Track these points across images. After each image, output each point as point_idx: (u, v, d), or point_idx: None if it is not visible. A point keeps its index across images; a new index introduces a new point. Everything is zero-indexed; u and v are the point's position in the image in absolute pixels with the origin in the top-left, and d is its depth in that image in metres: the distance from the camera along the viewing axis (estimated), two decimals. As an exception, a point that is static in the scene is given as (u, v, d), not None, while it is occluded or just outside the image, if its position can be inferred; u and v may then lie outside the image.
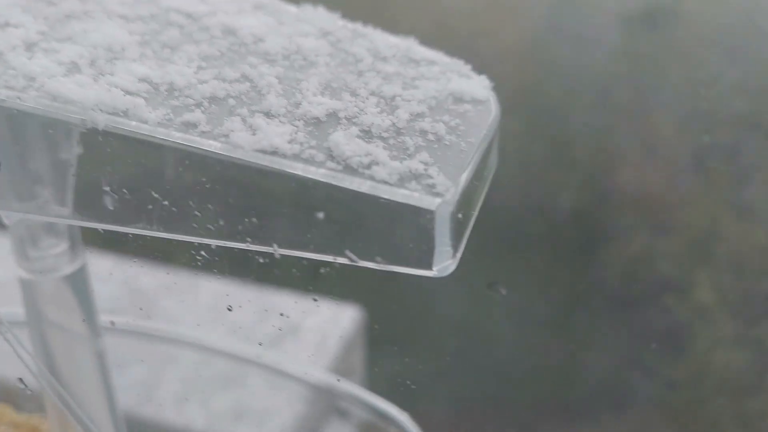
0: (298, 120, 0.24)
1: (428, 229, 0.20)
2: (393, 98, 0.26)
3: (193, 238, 0.26)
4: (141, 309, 0.99)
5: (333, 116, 0.25)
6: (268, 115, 0.24)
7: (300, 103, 0.25)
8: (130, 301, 1.05)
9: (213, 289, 1.11)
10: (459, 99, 0.27)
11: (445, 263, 0.21)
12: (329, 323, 1.07)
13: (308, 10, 0.32)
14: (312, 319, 1.06)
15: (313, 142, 0.24)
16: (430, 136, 0.25)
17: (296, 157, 0.22)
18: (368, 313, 1.12)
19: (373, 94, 0.26)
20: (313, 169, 0.22)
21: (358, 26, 0.32)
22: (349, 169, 0.22)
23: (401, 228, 0.20)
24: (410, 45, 0.31)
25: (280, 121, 0.24)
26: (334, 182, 0.22)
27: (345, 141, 0.22)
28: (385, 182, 0.21)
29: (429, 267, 0.21)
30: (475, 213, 0.25)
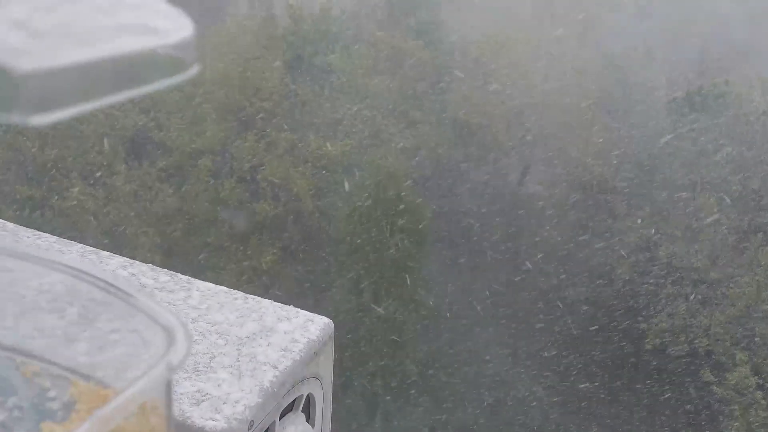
0: None
1: (12, 84, 0.22)
2: (76, 16, 0.28)
3: None
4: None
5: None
6: None
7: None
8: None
9: (203, 291, 1.15)
10: (141, 27, 0.29)
11: (25, 115, 0.23)
12: (300, 329, 1.08)
13: None
14: (285, 324, 1.08)
15: None
16: (81, 33, 0.26)
17: None
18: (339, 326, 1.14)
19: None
20: None
21: None
22: None
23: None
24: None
25: None
26: None
27: None
28: None
29: (18, 116, 0.23)
30: (106, 97, 0.26)
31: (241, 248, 15.17)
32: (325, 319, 1.11)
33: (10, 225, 1.26)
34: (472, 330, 17.14)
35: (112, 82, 0.25)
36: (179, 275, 1.20)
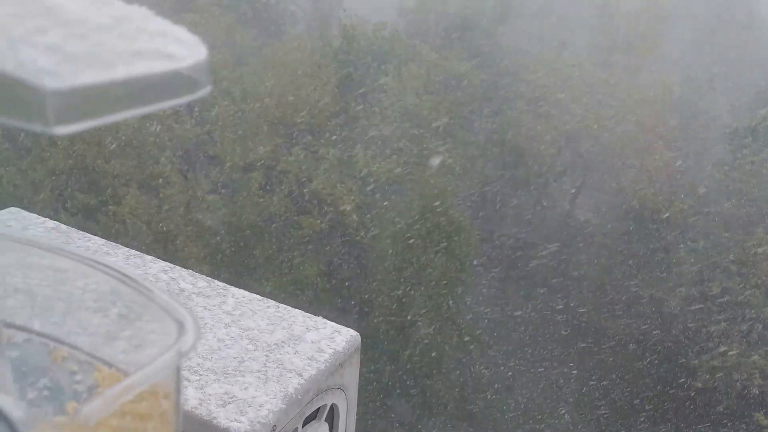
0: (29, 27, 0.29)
1: (41, 100, 0.26)
2: (104, 43, 0.31)
3: None
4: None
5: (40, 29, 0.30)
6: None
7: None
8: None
9: (238, 298, 1.20)
10: (158, 53, 0.32)
11: (50, 127, 0.27)
12: (327, 340, 1.11)
13: None
14: (312, 334, 1.11)
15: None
16: (104, 57, 0.29)
17: None
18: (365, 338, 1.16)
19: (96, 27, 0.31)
20: None
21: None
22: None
23: (24, 93, 0.26)
24: (161, 26, 0.35)
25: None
26: None
27: (27, 40, 0.28)
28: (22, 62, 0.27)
29: (42, 127, 0.27)
30: (123, 111, 0.29)
31: (287, 261, 15.38)
32: (352, 332, 1.13)
33: (63, 227, 1.34)
34: (512, 357, 16.84)
35: (128, 100, 0.29)
36: (216, 281, 1.26)
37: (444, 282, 14.12)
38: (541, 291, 18.43)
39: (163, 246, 14.12)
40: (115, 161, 14.61)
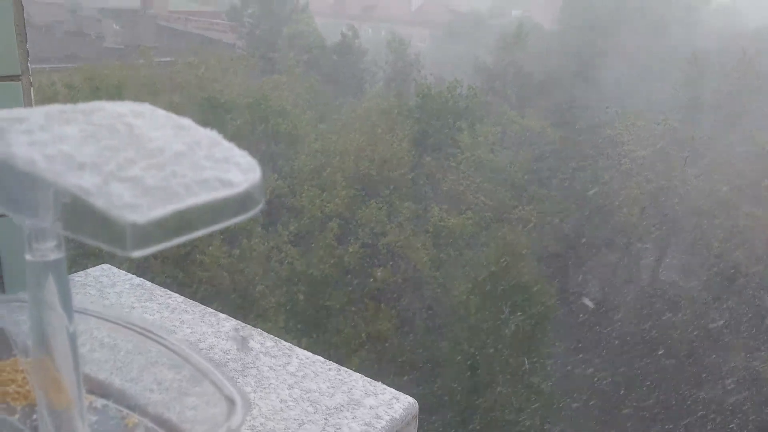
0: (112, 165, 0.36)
1: (122, 230, 0.31)
2: (177, 173, 0.36)
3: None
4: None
5: (131, 161, 0.36)
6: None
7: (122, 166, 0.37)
8: (236, 356, 1.23)
9: (302, 359, 1.25)
10: (219, 181, 0.37)
11: (128, 252, 0.32)
12: (385, 406, 1.13)
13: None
14: (371, 399, 1.13)
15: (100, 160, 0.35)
16: (176, 190, 0.34)
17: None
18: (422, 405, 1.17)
19: (169, 158, 0.37)
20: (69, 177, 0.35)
21: (206, 133, 0.42)
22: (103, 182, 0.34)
23: (109, 223, 0.32)
24: (225, 152, 0.40)
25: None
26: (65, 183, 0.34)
27: (117, 170, 0.34)
28: (114, 199, 0.33)
29: (122, 251, 0.32)
30: (189, 235, 0.34)
31: (360, 312, 15.45)
32: (410, 399, 1.15)
33: (148, 284, 1.45)
34: (593, 425, 15.93)
35: (192, 225, 0.35)
36: (282, 342, 1.31)
37: (519, 342, 13.71)
38: (624, 357, 17.50)
39: (242, 295, 14.56)
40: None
